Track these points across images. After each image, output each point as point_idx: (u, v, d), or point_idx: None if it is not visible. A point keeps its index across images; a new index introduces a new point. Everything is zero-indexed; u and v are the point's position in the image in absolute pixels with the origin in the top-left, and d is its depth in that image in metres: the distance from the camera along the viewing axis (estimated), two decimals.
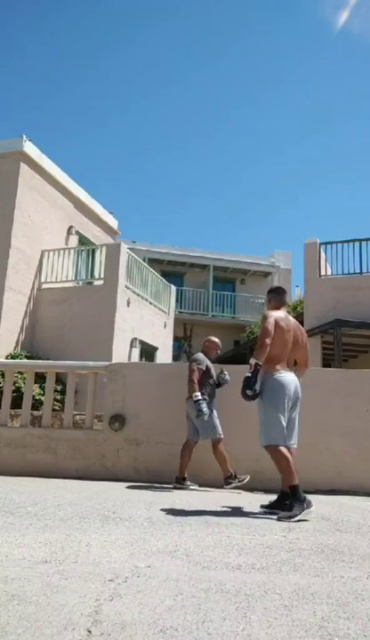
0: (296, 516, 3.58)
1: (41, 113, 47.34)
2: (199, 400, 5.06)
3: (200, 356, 5.54)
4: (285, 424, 3.87)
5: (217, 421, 5.27)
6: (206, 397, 5.22)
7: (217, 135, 48.80)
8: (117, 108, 47.98)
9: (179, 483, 5.18)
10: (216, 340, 5.79)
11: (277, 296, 4.27)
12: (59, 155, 48.23)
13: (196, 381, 5.21)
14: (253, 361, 3.84)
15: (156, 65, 45.85)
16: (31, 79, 46.39)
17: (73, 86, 45.72)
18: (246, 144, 50.22)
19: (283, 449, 3.82)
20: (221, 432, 5.24)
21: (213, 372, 5.50)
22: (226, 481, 5.15)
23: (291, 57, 46.44)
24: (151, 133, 48.16)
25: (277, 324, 3.95)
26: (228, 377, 5.45)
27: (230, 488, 5.12)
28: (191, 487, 5.21)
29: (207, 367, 5.44)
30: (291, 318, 4.20)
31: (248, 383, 3.81)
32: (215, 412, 5.30)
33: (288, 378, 3.95)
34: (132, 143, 49.02)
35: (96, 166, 47.29)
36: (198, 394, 5.12)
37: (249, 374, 3.82)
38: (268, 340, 3.85)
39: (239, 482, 5.15)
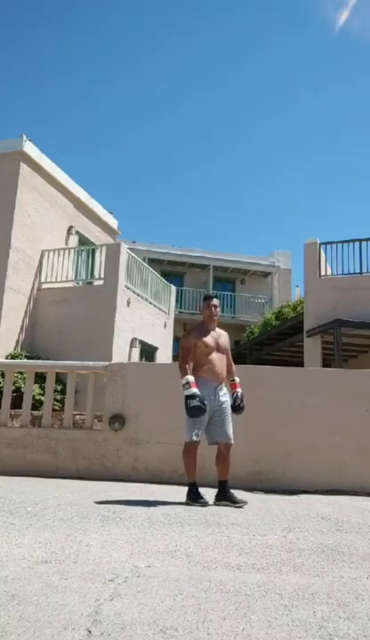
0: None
1: (41, 113, 47.39)
2: None
3: None
4: None
5: None
6: None
7: (218, 135, 48.88)
8: (117, 107, 48.04)
9: None
10: None
11: None
12: (59, 155, 48.23)
13: None
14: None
15: (156, 64, 45.90)
16: (31, 79, 46.42)
17: (73, 86, 45.77)
18: (247, 144, 50.27)
19: None
20: None
21: None
22: None
23: (293, 62, 46.47)
24: (151, 133, 48.20)
25: None
26: None
27: None
28: None
29: None
30: None
31: None
32: None
33: None
34: (132, 143, 49.05)
35: (96, 166, 47.33)
36: None
37: None
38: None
39: None
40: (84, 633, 1.50)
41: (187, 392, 4.16)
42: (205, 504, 4.13)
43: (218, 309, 4.60)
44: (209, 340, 4.44)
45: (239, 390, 4.51)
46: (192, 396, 4.13)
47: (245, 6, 43.11)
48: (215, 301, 4.59)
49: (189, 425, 4.28)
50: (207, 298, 4.66)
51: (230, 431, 4.38)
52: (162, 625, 1.57)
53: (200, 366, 4.34)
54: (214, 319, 4.57)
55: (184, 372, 4.27)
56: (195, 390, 4.16)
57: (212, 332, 4.51)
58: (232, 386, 4.54)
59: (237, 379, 4.59)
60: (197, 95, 46.25)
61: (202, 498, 4.19)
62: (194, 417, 4.18)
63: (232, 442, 4.38)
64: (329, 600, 1.88)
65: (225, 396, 4.42)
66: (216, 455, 4.40)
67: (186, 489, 4.31)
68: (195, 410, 4.12)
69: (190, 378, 4.22)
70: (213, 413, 4.32)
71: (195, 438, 4.27)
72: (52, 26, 39.98)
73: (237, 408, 4.45)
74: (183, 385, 4.21)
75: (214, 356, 4.42)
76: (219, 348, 4.47)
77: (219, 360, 4.44)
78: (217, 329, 4.59)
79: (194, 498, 4.19)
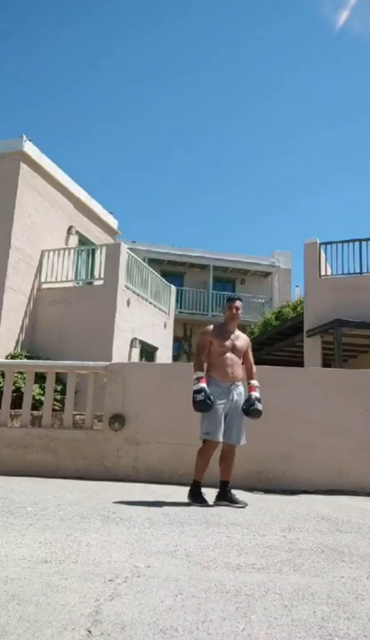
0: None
1: (41, 113, 47.37)
2: None
3: None
4: None
5: None
6: None
7: (218, 135, 48.85)
8: (118, 107, 48.03)
9: None
10: None
11: None
12: (59, 155, 48.25)
13: None
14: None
15: (156, 65, 45.89)
16: (32, 79, 46.41)
17: (73, 86, 45.75)
18: (247, 145, 50.25)
19: None
20: None
21: None
22: None
23: (291, 59, 46.47)
24: (152, 133, 48.20)
25: None
26: None
27: None
28: None
29: None
30: None
31: None
32: None
33: None
34: (132, 143, 49.06)
35: (96, 166, 47.32)
36: None
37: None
38: None
39: None
40: (84, 633, 1.50)
41: (194, 387, 4.26)
42: (205, 504, 4.13)
43: (240, 311, 4.64)
44: (224, 340, 4.47)
45: (254, 394, 4.42)
46: (199, 391, 4.21)
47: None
48: (238, 303, 4.64)
49: (201, 423, 4.33)
50: (230, 300, 4.71)
51: (238, 433, 4.36)
52: (162, 625, 1.57)
53: (212, 365, 4.42)
54: (235, 320, 4.62)
55: (195, 368, 4.37)
56: (202, 385, 4.23)
57: (229, 333, 4.53)
58: (248, 389, 4.51)
59: (254, 382, 4.51)
60: (198, 95, 46.29)
61: (202, 498, 4.20)
62: (200, 412, 4.24)
63: (236, 444, 4.37)
64: (329, 600, 1.88)
65: (239, 397, 4.42)
66: (220, 454, 4.41)
67: (186, 489, 4.32)
68: (200, 404, 4.18)
69: (200, 373, 4.31)
70: (227, 412, 4.35)
71: (205, 437, 4.29)
72: (42, 23, 40.00)
73: (246, 411, 4.37)
74: (193, 380, 4.31)
75: (228, 356, 4.43)
76: (234, 349, 4.48)
77: (232, 361, 4.44)
78: (237, 331, 4.61)
79: (194, 498, 4.20)
